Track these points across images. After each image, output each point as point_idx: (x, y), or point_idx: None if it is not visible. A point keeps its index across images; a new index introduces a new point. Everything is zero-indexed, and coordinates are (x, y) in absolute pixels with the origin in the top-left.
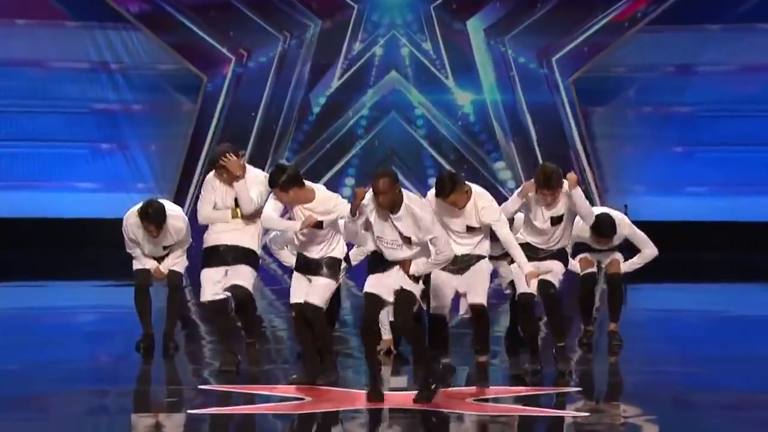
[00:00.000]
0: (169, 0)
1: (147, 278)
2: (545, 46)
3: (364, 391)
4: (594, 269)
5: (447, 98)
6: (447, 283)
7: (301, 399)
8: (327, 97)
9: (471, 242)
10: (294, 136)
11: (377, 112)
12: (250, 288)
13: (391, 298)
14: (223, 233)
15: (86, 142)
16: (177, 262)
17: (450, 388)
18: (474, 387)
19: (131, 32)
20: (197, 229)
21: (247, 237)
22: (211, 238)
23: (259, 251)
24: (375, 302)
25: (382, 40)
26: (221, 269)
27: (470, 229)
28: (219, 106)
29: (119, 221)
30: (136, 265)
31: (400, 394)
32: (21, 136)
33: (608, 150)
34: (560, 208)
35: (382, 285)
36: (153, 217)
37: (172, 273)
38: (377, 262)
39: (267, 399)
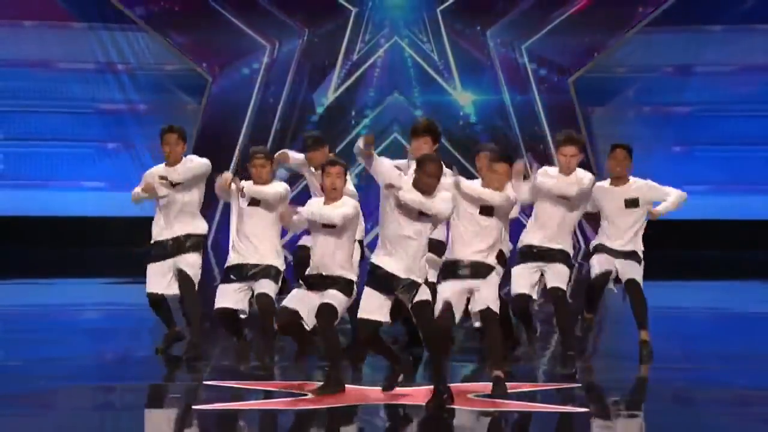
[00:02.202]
0: (174, 2)
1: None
2: (553, 50)
3: (364, 388)
4: (610, 267)
5: (451, 108)
6: (456, 293)
7: (304, 395)
8: (323, 109)
9: (484, 241)
10: (290, 146)
11: (378, 128)
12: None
13: (386, 318)
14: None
15: (93, 142)
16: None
17: (451, 384)
18: (475, 383)
19: (137, 33)
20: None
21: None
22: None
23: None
24: (370, 326)
25: (386, 45)
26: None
27: (484, 211)
28: (203, 103)
29: (125, 219)
30: (149, 288)
31: (401, 391)
32: (29, 136)
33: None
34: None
35: (377, 307)
36: (173, 127)
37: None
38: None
39: (271, 395)
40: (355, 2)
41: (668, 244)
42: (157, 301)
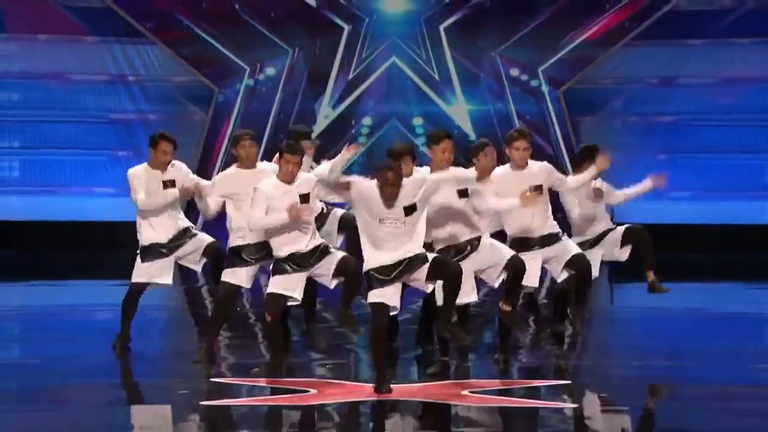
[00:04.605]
0: (183, 16)
1: (142, 288)
2: (541, 61)
3: (369, 384)
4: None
5: (452, 125)
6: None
7: (307, 391)
8: (319, 130)
9: (467, 221)
10: None
11: (377, 158)
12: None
13: (397, 303)
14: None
15: (104, 150)
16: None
17: (447, 381)
18: (470, 380)
19: (147, 46)
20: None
21: None
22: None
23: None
24: (384, 309)
25: (384, 65)
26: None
27: (462, 194)
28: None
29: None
30: (135, 278)
31: (403, 387)
32: (43, 144)
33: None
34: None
35: (388, 294)
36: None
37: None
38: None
39: (276, 391)
40: (349, 20)
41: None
42: (140, 292)
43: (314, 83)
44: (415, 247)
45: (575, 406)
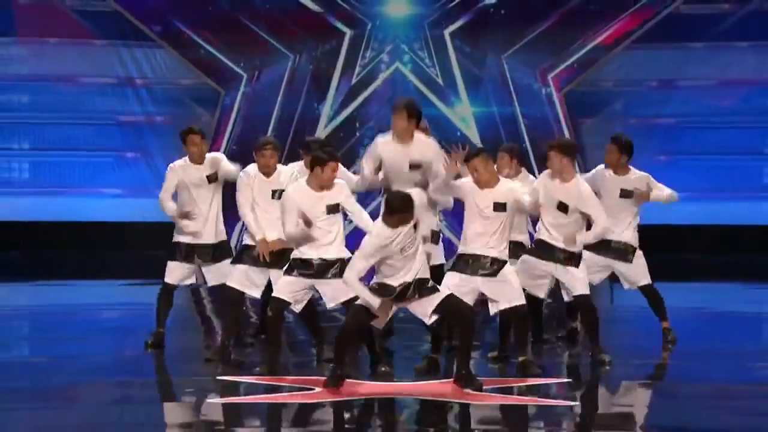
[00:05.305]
0: (184, 21)
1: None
2: (547, 67)
3: (371, 382)
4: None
5: (457, 129)
6: (466, 284)
7: (311, 389)
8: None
9: (495, 238)
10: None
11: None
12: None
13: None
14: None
15: (112, 151)
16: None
17: (445, 380)
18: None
19: (154, 50)
20: None
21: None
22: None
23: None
24: (364, 314)
25: (387, 71)
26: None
27: (497, 207)
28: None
29: (142, 224)
30: (168, 278)
31: (406, 385)
32: (53, 146)
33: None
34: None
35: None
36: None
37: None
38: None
39: (280, 389)
40: (351, 24)
41: (653, 247)
42: (173, 290)
43: (317, 88)
44: (421, 270)
45: (575, 404)
